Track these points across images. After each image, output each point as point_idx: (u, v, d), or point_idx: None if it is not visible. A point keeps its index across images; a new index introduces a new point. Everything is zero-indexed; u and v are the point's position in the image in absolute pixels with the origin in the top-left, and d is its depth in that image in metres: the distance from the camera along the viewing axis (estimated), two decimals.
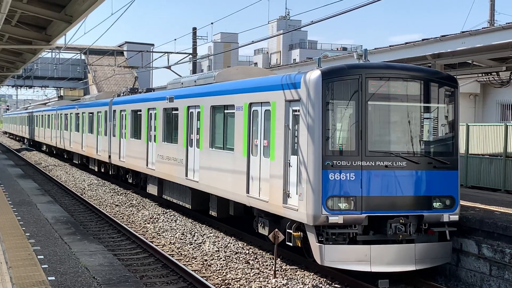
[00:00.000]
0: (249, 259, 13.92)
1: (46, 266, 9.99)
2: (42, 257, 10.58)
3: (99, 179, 30.41)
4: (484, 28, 14.70)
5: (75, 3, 14.01)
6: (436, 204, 12.17)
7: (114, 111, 27.03)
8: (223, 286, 11.86)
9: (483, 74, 22.47)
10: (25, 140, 64.63)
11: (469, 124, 21.17)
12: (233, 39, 65.91)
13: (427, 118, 12.65)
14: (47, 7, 15.15)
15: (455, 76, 13.44)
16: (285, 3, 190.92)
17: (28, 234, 12.69)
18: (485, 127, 20.47)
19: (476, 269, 12.65)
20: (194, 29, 38.01)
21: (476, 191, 18.60)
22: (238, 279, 12.36)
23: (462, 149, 19.69)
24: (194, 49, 38.31)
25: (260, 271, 12.94)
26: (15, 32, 18.33)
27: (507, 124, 19.84)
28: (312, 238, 11.88)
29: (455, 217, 12.27)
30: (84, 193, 25.45)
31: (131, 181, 25.88)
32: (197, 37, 38.43)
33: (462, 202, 13.78)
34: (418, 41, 15.83)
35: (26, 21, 17.60)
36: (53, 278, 9.33)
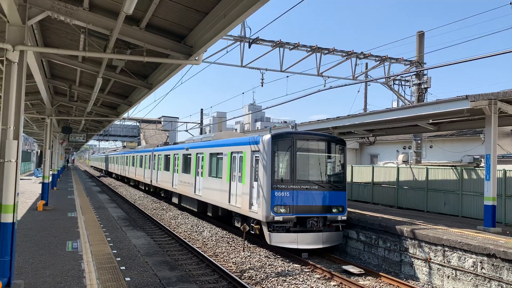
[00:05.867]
0: (229, 241, 13.75)
1: (112, 244, 9.73)
2: (109, 239, 10.31)
3: (145, 193, 29.76)
4: (360, 113, 15.10)
5: (135, 95, 14.07)
6: (334, 210, 12.27)
7: (155, 155, 26.72)
8: (214, 256, 11.70)
9: (360, 138, 23.05)
10: (103, 171, 62.99)
11: (353, 165, 21.50)
12: (223, 115, 66.32)
13: (329, 162, 12.86)
14: (117, 96, 15.15)
15: (344, 139, 13.78)
16: (252, 96, 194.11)
17: (102, 225, 12.35)
18: (361, 167, 20.79)
19: (356, 247, 12.74)
20: (202, 109, 38.23)
21: (357, 203, 18.77)
22: (222, 252, 12.19)
23: (349, 179, 19.99)
24: (201, 120, 38.47)
25: (235, 248, 12.79)
26: (99, 110, 18.24)
27: (373, 166, 20.28)
28: (265, 228, 11.85)
29: (344, 218, 12.38)
30: (136, 201, 24.84)
31: (163, 195, 25.44)
32: (203, 113, 38.59)
33: (348, 209, 13.93)
34: (325, 119, 16.16)
35: (105, 104, 17.55)
36: (115, 251, 9.09)
